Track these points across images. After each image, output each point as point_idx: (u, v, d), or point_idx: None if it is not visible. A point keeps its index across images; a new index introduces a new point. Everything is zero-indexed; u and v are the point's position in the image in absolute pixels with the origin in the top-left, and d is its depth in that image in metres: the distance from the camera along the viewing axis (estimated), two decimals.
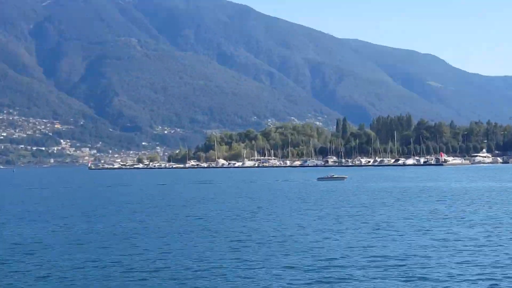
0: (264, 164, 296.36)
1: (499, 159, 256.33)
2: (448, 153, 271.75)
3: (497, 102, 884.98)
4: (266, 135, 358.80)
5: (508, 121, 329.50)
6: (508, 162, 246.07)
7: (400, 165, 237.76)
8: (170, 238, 37.07)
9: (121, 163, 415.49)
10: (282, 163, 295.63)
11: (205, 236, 37.72)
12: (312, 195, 73.21)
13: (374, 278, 24.97)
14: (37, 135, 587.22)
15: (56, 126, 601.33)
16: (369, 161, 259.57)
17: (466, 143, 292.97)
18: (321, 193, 76.74)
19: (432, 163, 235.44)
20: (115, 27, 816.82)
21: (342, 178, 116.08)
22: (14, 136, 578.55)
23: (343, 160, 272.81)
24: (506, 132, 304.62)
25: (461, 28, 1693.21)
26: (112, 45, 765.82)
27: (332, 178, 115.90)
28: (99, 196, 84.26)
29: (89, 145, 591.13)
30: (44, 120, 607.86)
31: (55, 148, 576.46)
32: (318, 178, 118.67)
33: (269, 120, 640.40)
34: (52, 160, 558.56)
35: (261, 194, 77.68)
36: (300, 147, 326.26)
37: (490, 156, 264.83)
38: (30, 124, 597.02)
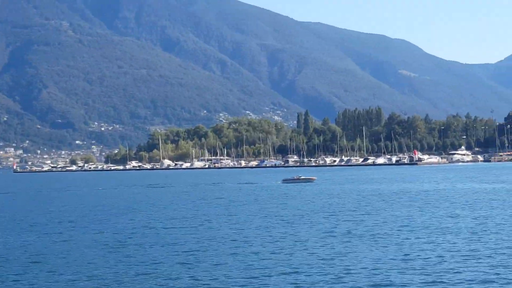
0: (216, 165, 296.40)
1: (480, 157, 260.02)
2: (423, 150, 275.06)
3: (477, 93, 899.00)
4: (217, 132, 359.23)
5: (490, 114, 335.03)
6: (489, 161, 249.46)
7: (369, 164, 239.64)
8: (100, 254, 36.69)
9: (51, 165, 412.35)
10: (236, 163, 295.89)
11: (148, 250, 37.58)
12: (277, 199, 74.06)
13: None
14: None
15: None
16: (334, 161, 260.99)
17: (443, 139, 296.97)
18: (287, 197, 77.53)
19: (405, 162, 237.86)
20: (43, 8, 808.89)
21: (310, 180, 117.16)
22: None
23: (305, 159, 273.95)
24: (487, 127, 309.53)
25: (436, 10, 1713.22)
26: (40, 29, 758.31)
27: (299, 180, 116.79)
28: (23, 203, 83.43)
29: (14, 145, 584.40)
30: None
31: None
32: (283, 180, 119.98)
33: (221, 114, 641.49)
34: None
35: (222, 200, 77.66)
36: (257, 145, 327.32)
37: (470, 154, 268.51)
38: None
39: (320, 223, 48.24)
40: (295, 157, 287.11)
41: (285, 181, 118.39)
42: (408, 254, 32.81)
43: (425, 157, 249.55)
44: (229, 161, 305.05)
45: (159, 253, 35.46)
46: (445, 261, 30.90)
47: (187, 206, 68.26)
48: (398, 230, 42.73)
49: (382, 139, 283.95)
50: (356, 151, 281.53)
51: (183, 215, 57.56)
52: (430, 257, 31.90)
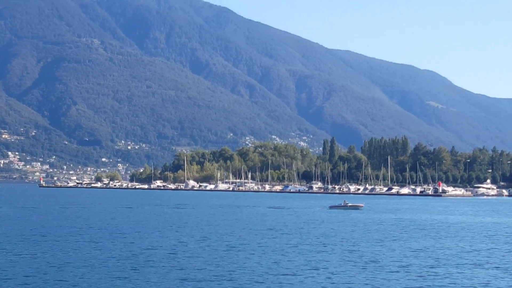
0: (240, 188, 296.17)
1: (505, 192, 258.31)
2: (447, 182, 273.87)
3: (504, 127, 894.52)
4: (243, 155, 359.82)
5: None
6: None
7: (393, 194, 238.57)
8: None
9: (77, 181, 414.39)
10: (260, 187, 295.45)
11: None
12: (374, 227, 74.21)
13: None
14: None
15: (3, 136, 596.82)
16: (358, 189, 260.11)
17: (468, 172, 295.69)
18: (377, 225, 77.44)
19: (430, 193, 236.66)
20: (75, 26, 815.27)
21: (357, 207, 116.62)
22: None
23: (330, 186, 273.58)
24: None
25: (466, 42, 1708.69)
26: (71, 46, 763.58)
27: (346, 207, 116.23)
28: (45, 216, 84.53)
29: (41, 160, 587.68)
30: None
31: (2, 162, 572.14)
32: (330, 206, 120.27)
33: (247, 138, 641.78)
34: None
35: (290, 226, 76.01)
36: (281, 170, 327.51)
37: (495, 187, 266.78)
38: None
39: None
40: (319, 184, 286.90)
41: (332, 207, 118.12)
42: None
43: (450, 189, 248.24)
44: (253, 184, 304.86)
45: None
46: None
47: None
48: None
49: (407, 169, 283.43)
50: (381, 180, 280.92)
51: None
52: None
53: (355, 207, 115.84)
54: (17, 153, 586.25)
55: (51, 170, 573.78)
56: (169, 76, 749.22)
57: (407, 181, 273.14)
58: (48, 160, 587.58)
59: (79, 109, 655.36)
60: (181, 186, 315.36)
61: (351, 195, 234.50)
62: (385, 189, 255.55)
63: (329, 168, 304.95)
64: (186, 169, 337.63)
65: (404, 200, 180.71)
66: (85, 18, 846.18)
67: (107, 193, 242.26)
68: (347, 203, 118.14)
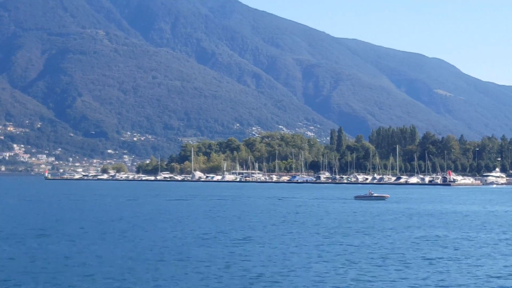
0: (247, 178, 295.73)
1: None
2: (456, 171, 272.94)
3: None
4: (250, 145, 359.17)
5: None
6: None
7: (402, 183, 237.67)
8: None
9: (83, 173, 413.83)
10: (267, 178, 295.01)
11: None
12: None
13: None
14: None
15: (8, 128, 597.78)
16: (366, 179, 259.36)
17: (477, 160, 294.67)
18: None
19: (439, 182, 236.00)
20: (80, 17, 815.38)
21: (383, 198, 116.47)
22: None
23: (337, 176, 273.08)
24: None
25: (474, 29, 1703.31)
26: (76, 37, 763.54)
27: (371, 197, 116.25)
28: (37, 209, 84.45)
29: (47, 152, 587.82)
30: None
31: (7, 154, 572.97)
32: (355, 197, 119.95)
33: (254, 128, 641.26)
34: (3, 168, 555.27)
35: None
36: (289, 160, 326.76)
37: (504, 176, 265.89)
38: None
39: None
40: (327, 174, 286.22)
41: (358, 197, 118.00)
42: None
43: (459, 178, 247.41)
44: (260, 175, 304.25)
45: None
46: None
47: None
48: None
49: (415, 158, 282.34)
50: (389, 169, 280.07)
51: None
52: None
53: (381, 198, 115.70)
54: (22, 145, 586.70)
55: (56, 162, 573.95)
56: (175, 67, 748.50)
57: (416, 171, 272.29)
58: (53, 152, 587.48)
59: (85, 100, 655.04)
60: (188, 178, 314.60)
61: (359, 184, 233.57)
62: (394, 178, 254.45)
63: (337, 158, 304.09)
64: (193, 160, 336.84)
65: (418, 190, 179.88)
66: (90, 9, 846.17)
67: (127, 185, 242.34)
68: (372, 194, 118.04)
